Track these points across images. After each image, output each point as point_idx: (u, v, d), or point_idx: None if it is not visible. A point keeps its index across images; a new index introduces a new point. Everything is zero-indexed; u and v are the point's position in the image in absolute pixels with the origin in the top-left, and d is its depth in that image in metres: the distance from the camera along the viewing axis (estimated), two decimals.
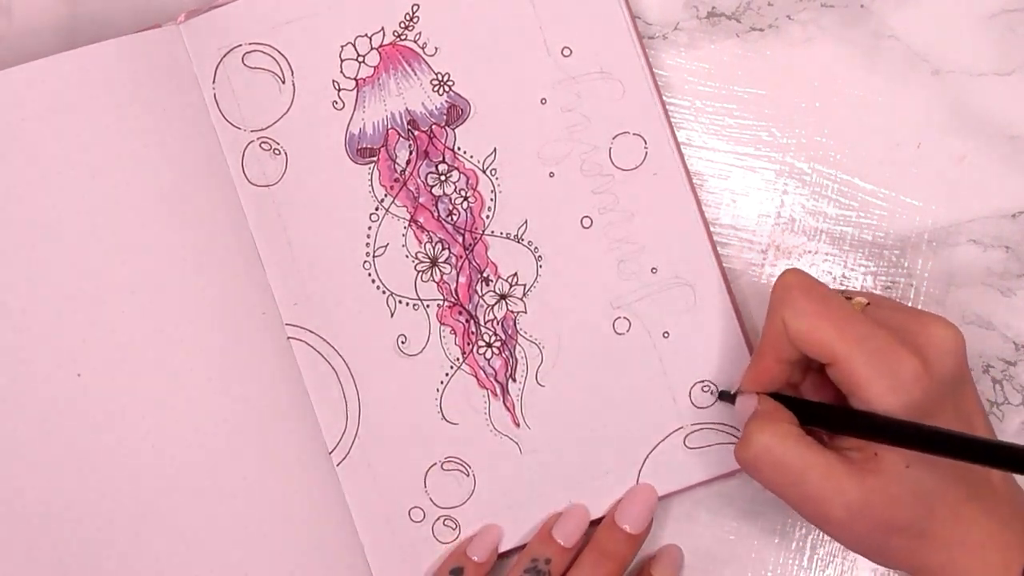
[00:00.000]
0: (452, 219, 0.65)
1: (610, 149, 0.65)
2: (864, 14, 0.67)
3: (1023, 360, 0.67)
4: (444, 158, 0.65)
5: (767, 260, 0.66)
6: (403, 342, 0.64)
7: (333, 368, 0.64)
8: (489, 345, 0.65)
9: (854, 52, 0.67)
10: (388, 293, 0.64)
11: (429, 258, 0.65)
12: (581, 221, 0.65)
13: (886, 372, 0.54)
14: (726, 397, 0.63)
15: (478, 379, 0.65)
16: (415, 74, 0.65)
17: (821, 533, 0.65)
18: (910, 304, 0.67)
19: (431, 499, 0.64)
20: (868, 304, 0.59)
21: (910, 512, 0.55)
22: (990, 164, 0.67)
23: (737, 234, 0.67)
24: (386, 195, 0.65)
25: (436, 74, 0.65)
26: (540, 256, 0.65)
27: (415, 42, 0.65)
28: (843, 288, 0.62)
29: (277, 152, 0.64)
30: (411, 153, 0.65)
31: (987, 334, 0.67)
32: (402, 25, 0.65)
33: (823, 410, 0.58)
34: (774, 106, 0.67)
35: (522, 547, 0.64)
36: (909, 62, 0.67)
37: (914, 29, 0.67)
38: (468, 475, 0.65)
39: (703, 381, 0.64)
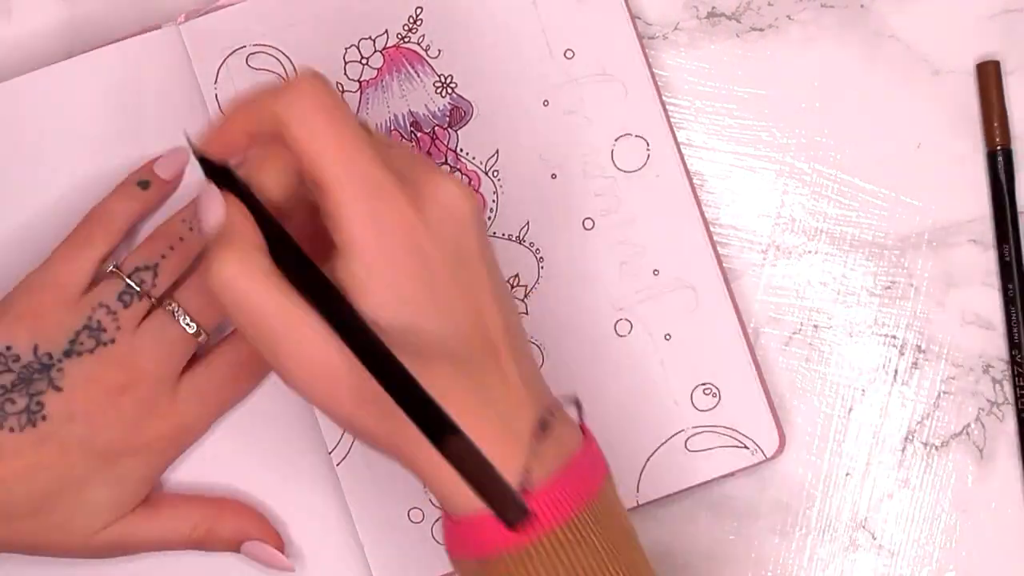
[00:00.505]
0: None
1: (612, 151, 0.65)
2: (864, 14, 0.68)
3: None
4: (446, 160, 0.65)
5: (767, 260, 0.67)
6: None
7: None
8: None
9: (854, 52, 0.68)
10: None
11: None
12: (583, 223, 0.65)
13: (374, 210, 0.48)
14: (203, 163, 0.52)
15: None
16: (418, 76, 0.65)
17: (821, 533, 0.66)
18: (909, 304, 0.67)
19: (430, 499, 0.64)
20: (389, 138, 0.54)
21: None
22: (987, 165, 0.67)
23: (737, 234, 0.67)
24: None
25: (439, 76, 0.65)
26: (541, 258, 0.65)
27: (418, 44, 0.65)
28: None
29: None
30: None
31: (987, 334, 0.67)
32: (405, 28, 0.65)
33: (297, 259, 0.49)
34: (774, 106, 0.68)
35: None
36: (909, 62, 0.68)
37: (914, 29, 0.68)
38: None
39: (704, 384, 0.64)
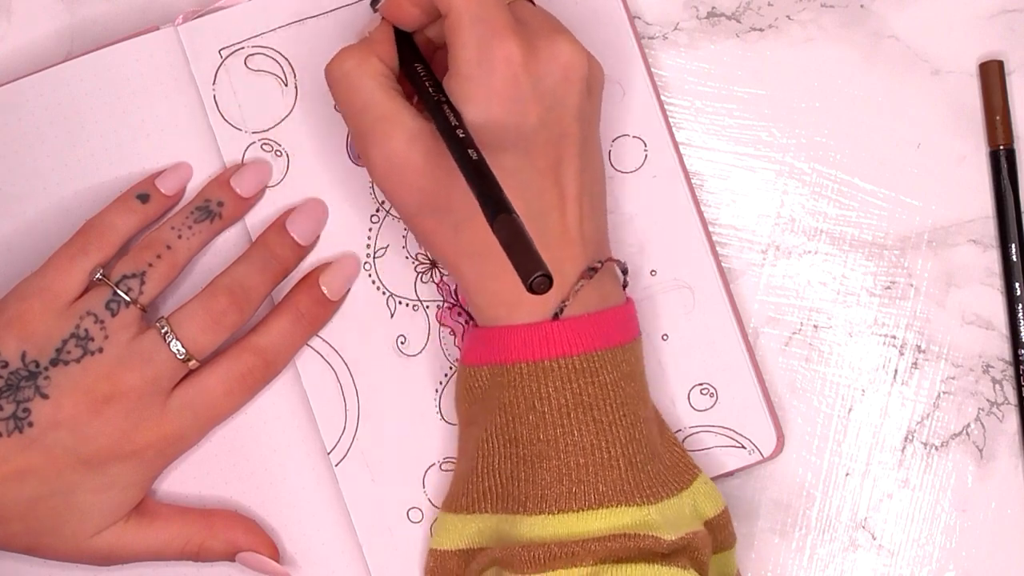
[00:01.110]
0: None
1: (610, 151, 0.65)
2: (864, 14, 0.67)
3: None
4: None
5: (767, 260, 0.67)
6: (403, 343, 0.65)
7: (332, 368, 0.64)
8: None
9: (854, 52, 0.68)
10: (388, 294, 0.65)
11: (429, 259, 0.65)
12: None
13: (483, 44, 0.54)
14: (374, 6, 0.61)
15: None
16: None
17: (821, 532, 0.65)
18: (909, 304, 0.67)
19: (429, 499, 0.64)
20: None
21: (445, 194, 0.56)
22: (990, 164, 0.67)
23: (737, 234, 0.67)
24: None
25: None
26: None
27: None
28: None
29: (279, 154, 0.65)
30: None
31: (987, 334, 0.67)
32: None
33: (417, 71, 0.58)
34: (774, 106, 0.68)
35: None
36: (909, 62, 0.67)
37: (914, 29, 0.68)
38: None
39: (702, 384, 0.64)
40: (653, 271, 0.64)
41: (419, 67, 0.57)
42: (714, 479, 0.64)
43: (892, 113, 0.67)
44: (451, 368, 0.65)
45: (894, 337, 0.67)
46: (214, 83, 0.64)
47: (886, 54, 0.67)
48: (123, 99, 0.63)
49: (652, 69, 0.66)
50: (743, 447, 0.64)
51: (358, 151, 0.57)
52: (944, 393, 0.67)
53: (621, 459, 0.55)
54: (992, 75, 0.66)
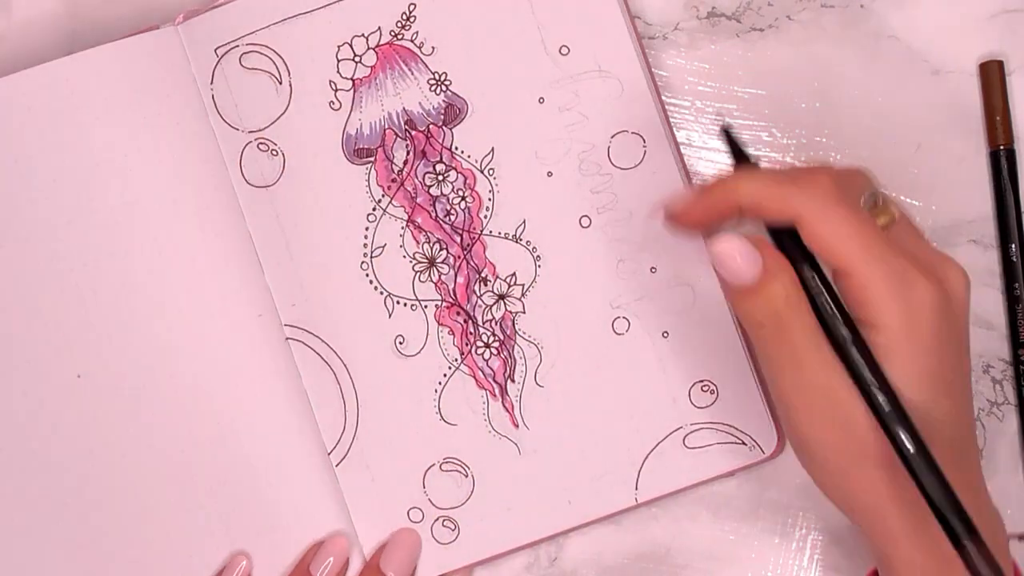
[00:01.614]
0: (450, 219, 0.65)
1: (608, 148, 0.64)
2: (864, 14, 0.67)
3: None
4: (442, 158, 0.65)
5: None
6: (401, 343, 0.64)
7: (331, 369, 0.64)
8: (487, 346, 0.64)
9: (854, 52, 0.67)
10: (386, 294, 0.64)
11: (427, 258, 0.65)
12: (580, 220, 0.64)
13: (903, 295, 0.51)
14: (730, 141, 0.58)
15: (476, 380, 0.65)
16: (412, 74, 0.65)
17: (821, 533, 0.65)
18: None
19: (430, 500, 0.64)
20: (896, 218, 0.56)
21: (886, 446, 0.51)
22: (990, 164, 0.67)
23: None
24: (383, 195, 0.64)
25: (433, 73, 0.65)
26: (538, 256, 0.64)
27: (412, 41, 0.65)
28: (878, 192, 0.58)
29: (275, 153, 0.64)
30: (408, 153, 0.65)
31: (987, 334, 0.66)
32: (399, 24, 0.65)
33: (835, 304, 0.53)
34: (774, 106, 0.67)
35: (519, 549, 0.64)
36: (909, 62, 0.67)
37: (914, 29, 0.67)
38: (467, 476, 0.64)
39: (702, 381, 0.64)
40: (653, 268, 0.64)
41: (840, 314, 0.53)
42: (714, 479, 0.64)
43: (892, 113, 0.67)
44: (450, 368, 0.64)
45: None
46: (212, 82, 0.64)
47: (886, 54, 0.67)
48: (123, 97, 0.63)
49: (653, 69, 0.65)
50: (744, 443, 0.64)
51: (772, 390, 0.54)
52: None
53: None
54: (992, 75, 0.66)
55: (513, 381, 0.65)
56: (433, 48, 0.65)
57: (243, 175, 0.65)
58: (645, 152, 0.64)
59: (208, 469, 0.64)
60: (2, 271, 0.64)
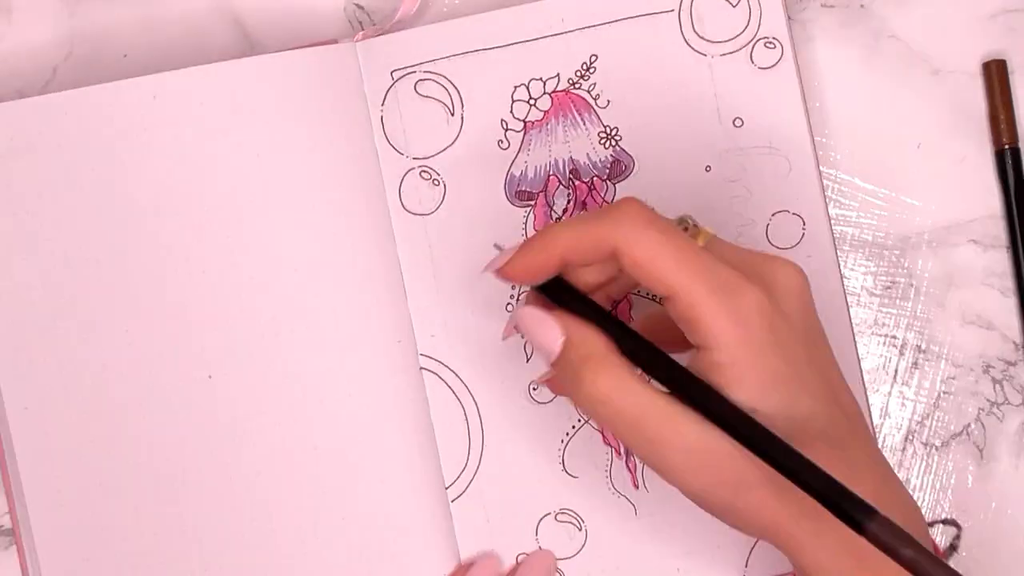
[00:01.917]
0: None
1: (768, 225, 0.64)
2: (864, 14, 0.68)
3: (1023, 360, 0.67)
4: None
5: None
6: (535, 389, 0.64)
7: (462, 405, 0.64)
8: None
9: (854, 52, 0.68)
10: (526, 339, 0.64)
11: None
12: None
13: (729, 305, 0.50)
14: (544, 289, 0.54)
15: (604, 436, 0.65)
16: (584, 124, 0.65)
17: None
18: (909, 304, 0.67)
19: (540, 548, 0.64)
20: (712, 236, 0.56)
21: (759, 464, 0.49)
22: (990, 164, 0.68)
23: None
24: None
25: (605, 127, 0.65)
26: None
27: (588, 92, 0.65)
28: (688, 216, 0.58)
29: (436, 183, 0.64)
30: (569, 202, 0.65)
31: (987, 334, 0.67)
32: (578, 74, 0.65)
33: (667, 366, 0.51)
34: None
35: None
36: (909, 62, 0.68)
37: (914, 29, 0.68)
38: (580, 529, 0.65)
39: None
40: None
41: (646, 355, 0.52)
42: None
43: (892, 113, 0.67)
44: (579, 420, 0.64)
45: (894, 337, 0.67)
46: (383, 104, 0.64)
47: (886, 54, 0.67)
48: (293, 105, 0.63)
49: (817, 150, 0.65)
50: None
51: (645, 461, 0.51)
52: (944, 393, 0.67)
53: None
54: (995, 75, 0.66)
55: None
56: (608, 101, 0.65)
57: (401, 200, 0.65)
58: (804, 234, 0.65)
59: (325, 483, 0.64)
60: (152, 264, 0.64)
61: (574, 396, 0.51)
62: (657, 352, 0.51)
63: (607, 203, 0.65)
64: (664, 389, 0.51)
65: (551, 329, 0.52)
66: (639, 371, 0.51)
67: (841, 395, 0.52)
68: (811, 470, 0.47)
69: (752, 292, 0.50)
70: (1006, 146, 0.66)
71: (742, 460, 0.49)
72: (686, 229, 0.55)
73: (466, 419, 0.64)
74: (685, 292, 0.50)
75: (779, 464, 0.48)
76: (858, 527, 0.46)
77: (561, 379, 0.52)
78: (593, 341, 0.51)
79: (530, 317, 0.52)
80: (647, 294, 0.63)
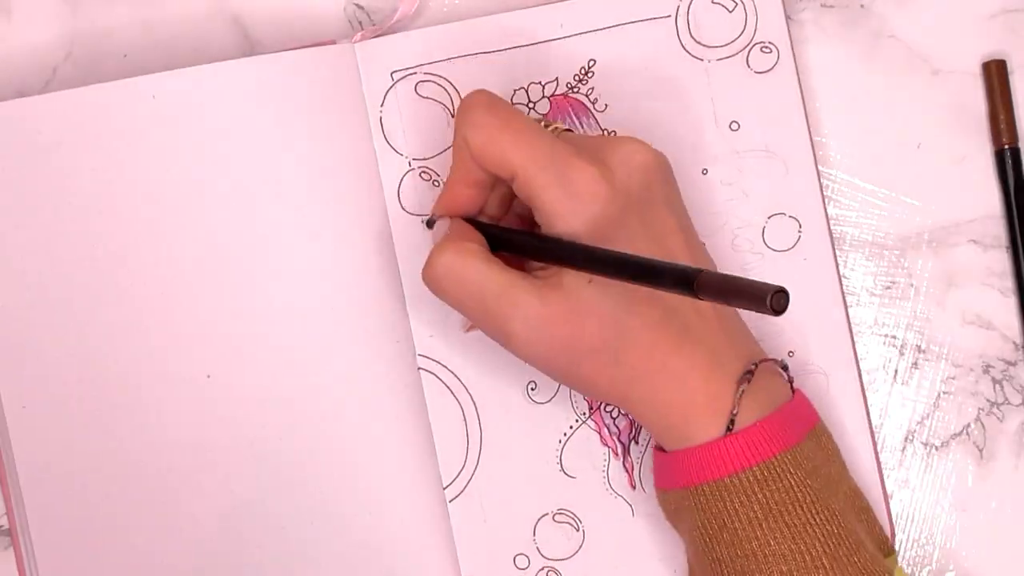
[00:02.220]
0: None
1: (764, 228, 0.65)
2: (864, 14, 0.68)
3: (1023, 360, 0.67)
4: None
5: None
6: (533, 389, 0.65)
7: (460, 405, 0.64)
8: None
9: (854, 52, 0.68)
10: None
11: None
12: None
13: (562, 181, 0.54)
14: (430, 225, 0.62)
15: (601, 436, 0.65)
16: (582, 127, 0.65)
17: None
18: (909, 304, 0.68)
19: (538, 548, 0.64)
20: (567, 130, 0.59)
21: (596, 332, 0.54)
22: (990, 164, 0.68)
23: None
24: None
25: (603, 131, 0.65)
26: None
27: (587, 96, 0.65)
28: (542, 117, 0.63)
29: (436, 183, 0.64)
30: None
31: (987, 334, 0.68)
32: (576, 78, 0.65)
33: (506, 233, 0.58)
34: None
35: None
36: (909, 62, 0.68)
37: (914, 29, 0.68)
38: (578, 530, 0.65)
39: None
40: (791, 352, 0.65)
41: (510, 232, 0.58)
42: None
43: (892, 113, 0.68)
44: (577, 420, 0.65)
45: (894, 337, 0.67)
46: (382, 104, 0.64)
47: (886, 54, 0.68)
48: (293, 105, 0.63)
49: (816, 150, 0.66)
50: None
51: (490, 334, 0.57)
52: (944, 393, 0.67)
53: (824, 557, 0.54)
54: (995, 75, 0.67)
55: (636, 443, 0.65)
56: (606, 105, 0.65)
57: (400, 201, 0.65)
58: (800, 236, 0.65)
59: (323, 483, 0.64)
60: (150, 263, 0.64)
61: (424, 273, 0.57)
62: (511, 231, 0.57)
63: None
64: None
65: (443, 223, 0.59)
66: (497, 261, 0.56)
67: (679, 260, 0.55)
68: (633, 259, 0.50)
69: (585, 168, 0.54)
70: (1006, 146, 0.67)
71: (575, 324, 0.54)
72: (546, 126, 0.59)
73: (464, 419, 0.65)
74: (523, 171, 0.54)
75: (604, 265, 0.51)
76: (691, 286, 0.46)
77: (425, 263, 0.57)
78: (457, 229, 0.58)
79: (440, 222, 0.59)
80: None
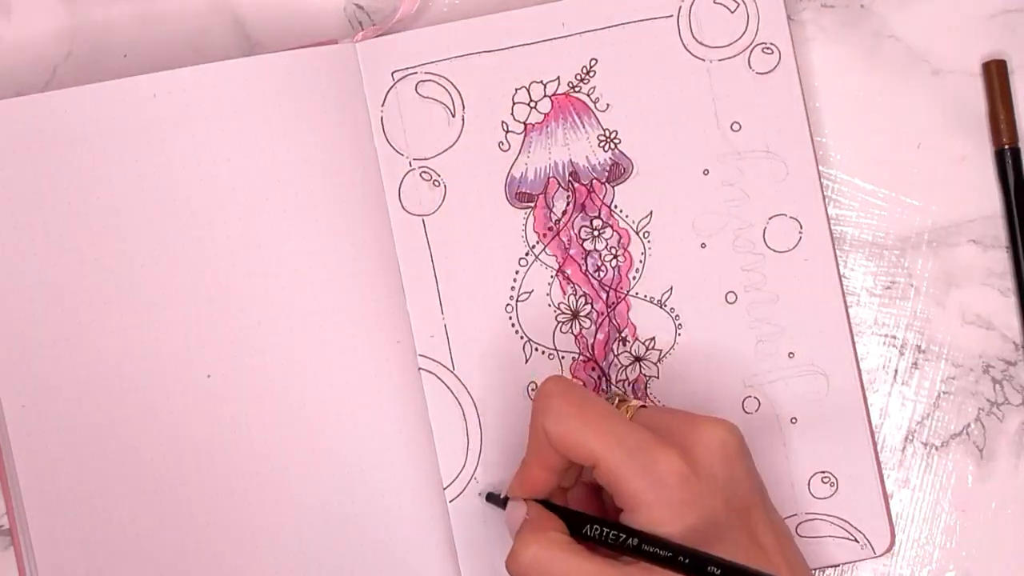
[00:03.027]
0: (599, 275, 0.65)
1: (765, 229, 0.65)
2: (864, 14, 0.68)
3: (1023, 360, 0.67)
4: (600, 214, 0.65)
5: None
6: (534, 389, 0.64)
7: (460, 405, 0.64)
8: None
9: (854, 52, 0.68)
10: (526, 339, 0.65)
11: (571, 310, 0.65)
12: (726, 296, 0.65)
13: (645, 469, 0.54)
14: (493, 500, 0.63)
15: None
16: (583, 127, 0.65)
17: None
18: (909, 304, 0.68)
19: None
20: (642, 407, 0.59)
21: None
22: (990, 164, 0.68)
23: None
24: (538, 242, 0.65)
25: (604, 130, 0.65)
26: (680, 324, 0.65)
27: (588, 95, 0.65)
28: (620, 393, 0.64)
29: (437, 184, 0.64)
30: (568, 204, 0.65)
31: (987, 334, 0.68)
32: (578, 77, 0.65)
33: (588, 520, 0.57)
34: None
35: None
36: (909, 62, 0.68)
37: (914, 29, 0.68)
38: None
39: (824, 472, 0.65)
40: (791, 353, 0.65)
41: (592, 525, 0.57)
42: (819, 568, 0.64)
43: (892, 113, 0.68)
44: None
45: (894, 337, 0.67)
46: (383, 104, 0.64)
47: (886, 54, 0.68)
48: (294, 104, 0.63)
49: (817, 153, 0.66)
50: (856, 540, 0.64)
51: None
52: (944, 393, 0.67)
53: None
54: (996, 74, 0.67)
55: None
56: (608, 105, 0.65)
57: (400, 201, 0.65)
58: (800, 237, 0.65)
59: (323, 483, 0.64)
60: (150, 263, 0.63)
61: (509, 565, 0.56)
62: (591, 518, 0.56)
63: (609, 209, 0.65)
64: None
65: (518, 509, 0.58)
66: (584, 549, 0.55)
67: (760, 536, 0.56)
68: (724, 562, 0.52)
69: (666, 454, 0.54)
70: (1006, 145, 0.67)
71: None
72: (620, 403, 0.59)
73: (464, 420, 0.64)
74: (605, 460, 0.55)
75: (696, 567, 0.52)
76: None
77: (510, 552, 0.57)
78: (538, 516, 0.58)
79: (512, 505, 0.59)
80: None
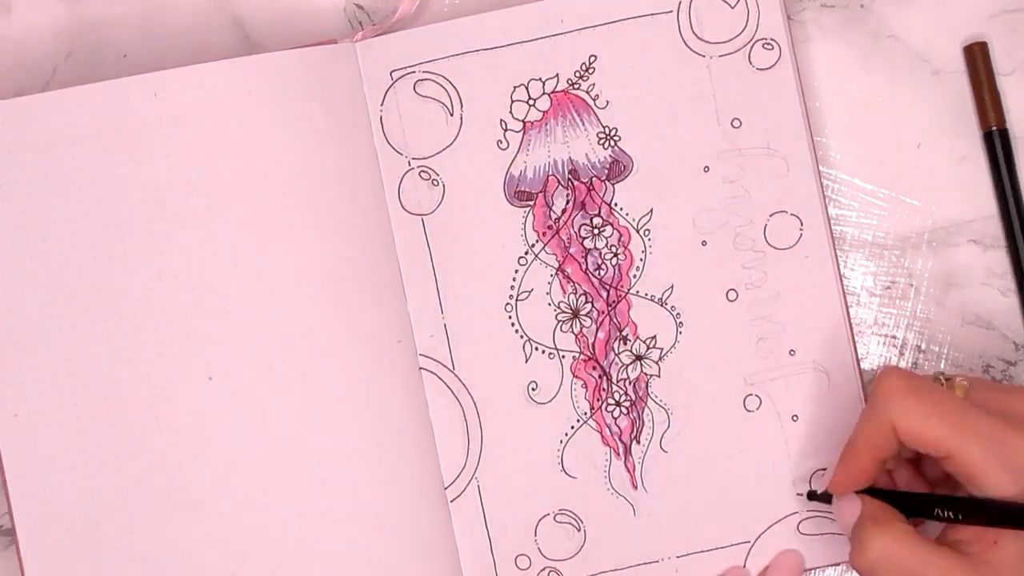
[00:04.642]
0: (599, 273, 0.65)
1: (766, 226, 0.65)
2: (864, 14, 0.68)
3: (1023, 360, 0.67)
4: (600, 212, 0.65)
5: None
6: (534, 389, 0.64)
7: (461, 405, 0.64)
8: (618, 404, 0.65)
9: (854, 52, 0.68)
10: (526, 338, 0.64)
11: (571, 309, 0.65)
12: (727, 294, 0.65)
13: (1003, 459, 0.54)
14: (816, 497, 0.63)
15: (603, 436, 0.65)
16: (583, 124, 0.65)
17: None
18: (909, 304, 0.67)
19: (539, 549, 0.64)
20: (968, 387, 0.59)
21: None
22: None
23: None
24: (537, 240, 0.65)
25: (604, 127, 0.65)
26: (681, 322, 0.65)
27: (587, 92, 0.65)
28: (941, 373, 0.62)
29: (436, 183, 0.64)
30: (568, 202, 0.65)
31: (987, 334, 0.67)
32: (577, 74, 0.65)
33: (934, 501, 0.57)
34: None
35: None
36: (909, 62, 0.68)
37: (914, 29, 0.68)
38: (579, 530, 0.65)
39: (825, 469, 0.64)
40: (792, 351, 0.64)
41: (942, 508, 0.57)
42: (820, 566, 0.64)
43: (892, 113, 0.67)
44: (578, 420, 0.64)
45: (894, 337, 0.67)
46: (382, 104, 0.64)
47: (886, 54, 0.68)
48: (294, 103, 0.63)
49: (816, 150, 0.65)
50: None
51: None
52: None
53: None
54: (976, 57, 0.66)
55: (638, 443, 0.65)
56: (607, 102, 0.65)
57: (400, 200, 0.65)
58: (801, 235, 0.65)
59: (324, 483, 0.63)
60: (150, 263, 0.64)
61: (856, 560, 0.56)
62: (926, 497, 0.58)
63: (609, 207, 0.65)
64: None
65: (852, 504, 0.59)
66: (922, 535, 0.56)
67: None
68: None
69: (1016, 441, 0.54)
70: (993, 127, 0.66)
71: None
72: (943, 382, 0.59)
73: (465, 419, 0.64)
74: (959, 453, 0.55)
75: None
76: None
77: (853, 547, 0.57)
78: (877, 507, 0.58)
79: (844, 499, 0.60)
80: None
